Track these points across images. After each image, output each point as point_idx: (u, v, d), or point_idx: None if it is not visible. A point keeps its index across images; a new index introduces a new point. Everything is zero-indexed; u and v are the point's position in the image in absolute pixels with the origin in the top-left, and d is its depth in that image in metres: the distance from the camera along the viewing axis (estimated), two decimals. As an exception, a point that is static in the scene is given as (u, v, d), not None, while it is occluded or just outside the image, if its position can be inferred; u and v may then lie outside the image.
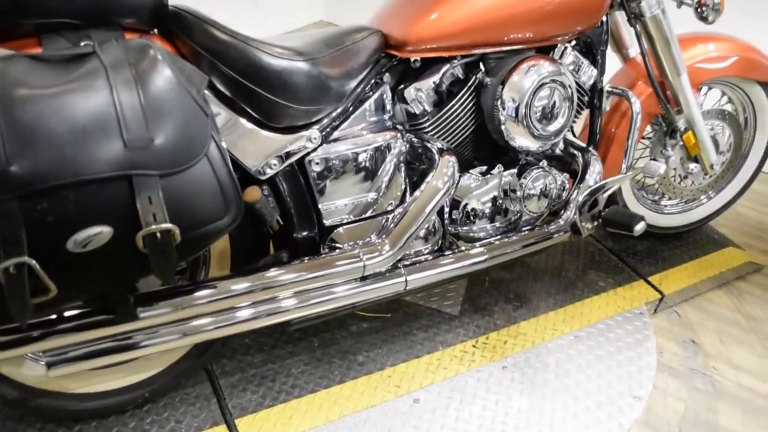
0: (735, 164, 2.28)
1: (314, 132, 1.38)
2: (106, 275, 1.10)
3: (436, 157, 1.49)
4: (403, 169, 1.53)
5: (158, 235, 1.03)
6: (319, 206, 1.45)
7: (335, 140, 1.43)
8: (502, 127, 1.56)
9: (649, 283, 2.12)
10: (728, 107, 2.19)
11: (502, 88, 1.53)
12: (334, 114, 1.43)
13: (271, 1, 3.73)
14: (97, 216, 1.01)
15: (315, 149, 1.40)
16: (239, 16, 3.49)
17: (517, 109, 1.53)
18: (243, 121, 1.32)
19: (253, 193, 1.34)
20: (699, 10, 1.73)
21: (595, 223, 1.73)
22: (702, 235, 2.43)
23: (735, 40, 2.06)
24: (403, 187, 1.54)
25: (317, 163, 1.41)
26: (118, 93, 1.00)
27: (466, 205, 1.63)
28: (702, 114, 2.04)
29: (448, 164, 1.47)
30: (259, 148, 1.34)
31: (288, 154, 1.37)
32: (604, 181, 1.70)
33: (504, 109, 1.54)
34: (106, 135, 0.99)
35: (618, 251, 2.23)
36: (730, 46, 2.02)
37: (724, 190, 2.32)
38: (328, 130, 1.42)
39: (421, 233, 1.58)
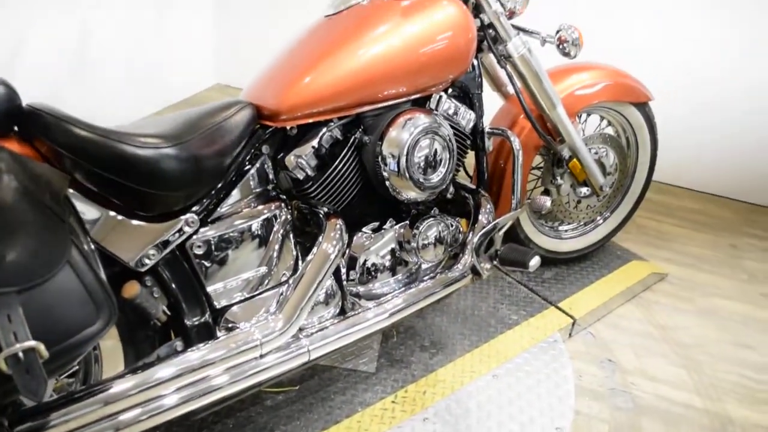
0: (624, 183, 2.37)
1: (191, 216, 1.35)
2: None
3: (323, 221, 1.48)
4: (292, 237, 1.51)
5: (21, 354, 0.98)
6: (208, 289, 1.41)
7: (217, 219, 1.41)
8: (387, 183, 1.57)
9: (559, 309, 2.15)
10: (609, 130, 2.28)
11: (381, 145, 1.55)
12: (212, 193, 1.40)
13: (163, 69, 3.67)
14: (-46, 341, 0.95)
15: (195, 232, 1.37)
16: (126, 92, 3.44)
17: (398, 164, 1.54)
18: (113, 214, 1.27)
19: (131, 289, 1.29)
20: (561, 46, 1.81)
21: (494, 263, 1.76)
22: (606, 253, 2.50)
23: (605, 66, 2.16)
24: (295, 255, 1.52)
25: (199, 246, 1.38)
26: (-41, 212, 0.95)
27: (363, 263, 1.62)
28: (584, 140, 2.12)
29: (335, 228, 1.46)
30: (134, 240, 1.30)
31: (166, 242, 1.33)
32: (495, 221, 1.73)
33: (386, 165, 1.55)
34: (-50, 257, 0.94)
35: (527, 282, 2.26)
36: (600, 73, 2.12)
37: (619, 207, 2.40)
38: (207, 210, 1.39)
39: (321, 298, 1.55)
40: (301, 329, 1.50)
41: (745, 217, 3.05)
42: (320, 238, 1.46)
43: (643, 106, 2.23)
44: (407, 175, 1.55)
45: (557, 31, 1.80)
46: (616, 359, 2.07)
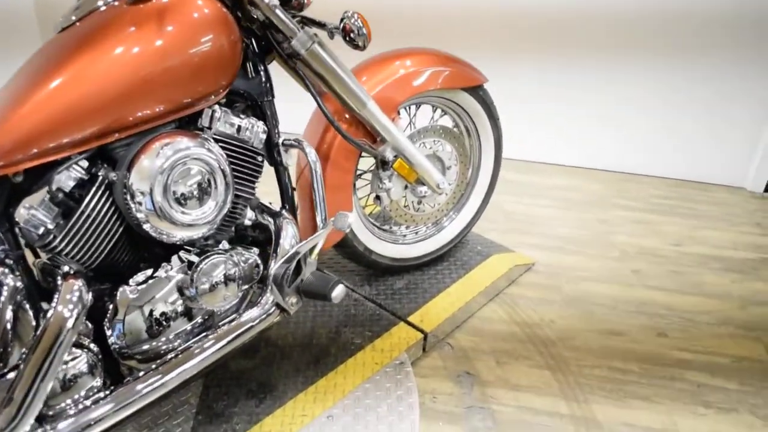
0: (470, 175, 2.18)
1: None
2: None
3: (60, 282, 1.21)
4: (30, 307, 1.24)
5: None
6: None
7: None
8: (147, 225, 1.31)
9: (409, 323, 1.95)
10: (445, 120, 2.08)
11: (129, 180, 1.28)
12: None
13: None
14: None
15: None
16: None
17: (152, 201, 1.28)
18: None
19: None
20: (347, 38, 1.58)
21: (301, 296, 1.53)
22: (465, 250, 2.32)
23: (428, 51, 1.95)
24: (35, 326, 1.25)
25: None
26: None
27: (134, 320, 1.36)
28: (414, 134, 1.92)
29: (72, 289, 1.20)
30: None
31: None
32: (296, 247, 1.50)
33: (140, 204, 1.29)
34: None
35: (375, 296, 2.05)
36: (422, 59, 1.90)
37: (468, 201, 2.21)
38: None
39: (84, 369, 1.29)
40: (61, 412, 1.25)
41: (615, 187, 2.94)
42: (53, 304, 1.19)
43: (476, 90, 2.04)
44: (168, 214, 1.30)
45: (341, 20, 1.57)
46: (475, 371, 1.89)
